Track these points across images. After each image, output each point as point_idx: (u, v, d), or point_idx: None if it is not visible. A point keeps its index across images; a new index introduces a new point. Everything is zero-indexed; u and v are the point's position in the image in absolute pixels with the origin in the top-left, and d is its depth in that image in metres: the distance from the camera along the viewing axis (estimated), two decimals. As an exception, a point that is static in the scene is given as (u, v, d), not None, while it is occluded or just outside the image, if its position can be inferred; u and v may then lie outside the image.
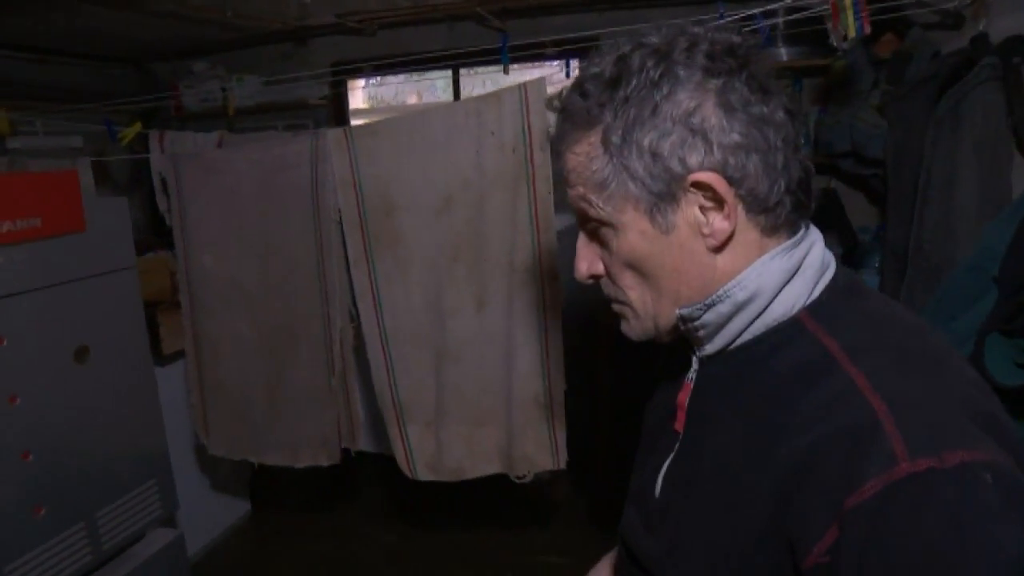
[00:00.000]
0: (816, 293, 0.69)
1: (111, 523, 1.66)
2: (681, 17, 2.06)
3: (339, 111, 3.49)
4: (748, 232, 0.69)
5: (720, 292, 0.68)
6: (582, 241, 0.76)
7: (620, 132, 0.66)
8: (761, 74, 0.66)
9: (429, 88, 4.11)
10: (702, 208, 0.67)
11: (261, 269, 1.82)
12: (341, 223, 1.74)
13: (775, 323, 0.69)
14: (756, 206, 0.67)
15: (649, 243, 0.69)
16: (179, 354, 2.25)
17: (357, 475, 3.07)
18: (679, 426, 0.78)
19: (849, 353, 0.62)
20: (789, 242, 0.69)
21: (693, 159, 0.65)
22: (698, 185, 0.65)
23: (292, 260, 1.79)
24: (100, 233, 1.61)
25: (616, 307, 0.77)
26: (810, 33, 2.25)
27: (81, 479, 1.59)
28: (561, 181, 0.76)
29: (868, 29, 1.57)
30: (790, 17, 2.03)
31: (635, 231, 0.69)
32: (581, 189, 0.71)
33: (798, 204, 0.70)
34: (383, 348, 1.77)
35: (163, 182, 1.92)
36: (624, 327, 0.79)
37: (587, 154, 0.69)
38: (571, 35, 2.64)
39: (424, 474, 1.83)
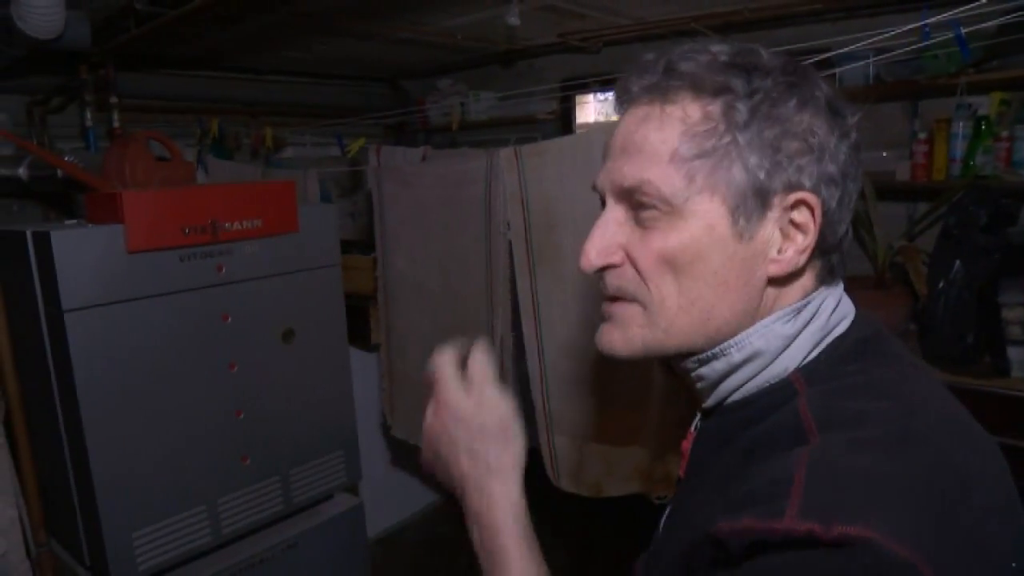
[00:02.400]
0: (816, 352, 0.65)
1: (301, 481, 1.95)
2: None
3: (566, 125, 3.64)
4: (806, 274, 0.66)
5: (717, 349, 0.66)
6: (611, 221, 0.67)
7: (748, 111, 0.61)
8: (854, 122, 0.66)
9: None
10: (782, 230, 0.63)
11: (442, 274, 2.01)
12: (510, 237, 1.85)
13: (767, 384, 0.65)
14: (822, 247, 0.64)
15: (712, 242, 0.62)
16: (383, 343, 2.55)
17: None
18: (682, 472, 0.77)
19: (819, 427, 0.56)
20: (799, 303, 0.65)
21: (805, 174, 0.62)
22: (797, 204, 0.62)
23: (467, 268, 1.95)
24: (311, 234, 1.89)
25: (615, 308, 0.68)
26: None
27: (280, 440, 1.89)
28: (611, 154, 0.68)
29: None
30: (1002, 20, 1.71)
31: (704, 223, 0.62)
32: (655, 159, 0.62)
33: (841, 260, 0.68)
34: (539, 358, 1.85)
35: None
36: (612, 336, 0.69)
37: (697, 120, 0.62)
38: (794, 45, 2.48)
39: (567, 485, 1.88)
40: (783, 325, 0.64)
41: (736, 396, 0.68)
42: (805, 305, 0.65)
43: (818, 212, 0.62)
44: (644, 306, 0.66)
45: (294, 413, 1.91)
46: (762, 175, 0.61)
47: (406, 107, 3.74)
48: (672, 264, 0.63)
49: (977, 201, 2.17)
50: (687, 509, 0.71)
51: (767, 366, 0.65)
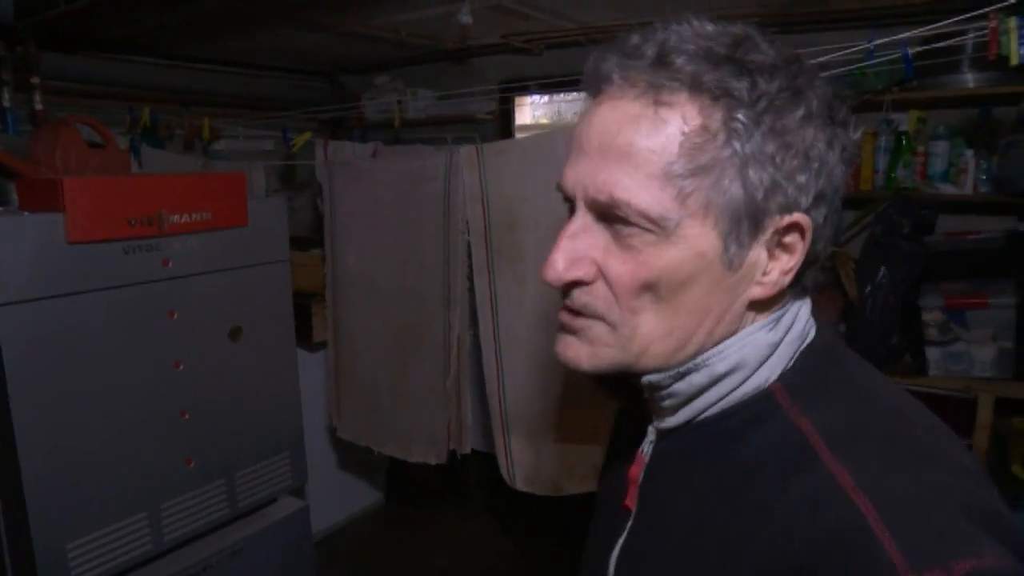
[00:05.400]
0: (791, 362, 0.62)
1: (247, 484, 1.87)
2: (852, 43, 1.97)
3: (505, 126, 3.65)
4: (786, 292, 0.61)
5: (698, 360, 0.60)
6: (582, 230, 0.60)
7: (751, 120, 0.54)
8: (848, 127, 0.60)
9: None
10: (769, 251, 0.58)
11: (395, 272, 1.98)
12: (468, 235, 1.85)
13: (745, 397, 0.61)
14: (803, 264, 0.59)
15: (699, 269, 0.57)
16: (327, 342, 2.48)
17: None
18: (630, 503, 0.70)
19: (828, 442, 0.54)
20: (777, 312, 0.62)
21: (802, 194, 0.56)
22: (790, 227, 0.57)
23: (423, 266, 1.93)
24: (260, 228, 1.82)
25: (580, 323, 0.62)
26: (1002, 57, 2.03)
27: (225, 442, 1.81)
28: (583, 150, 0.59)
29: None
30: (952, 42, 1.85)
31: (694, 251, 0.56)
32: (642, 171, 0.55)
33: (815, 273, 0.64)
34: (496, 358, 1.85)
35: (320, 186, 2.15)
36: (579, 351, 0.62)
37: (695, 129, 0.54)
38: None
39: (522, 485, 1.89)
40: (767, 333, 0.61)
41: (711, 411, 0.62)
42: (784, 314, 0.62)
43: (808, 234, 0.57)
44: (613, 328, 0.60)
45: (240, 413, 1.84)
46: (760, 196, 0.55)
47: (343, 103, 3.67)
48: (653, 291, 0.57)
49: (901, 211, 2.32)
50: (673, 540, 0.63)
51: (749, 376, 0.61)
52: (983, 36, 1.43)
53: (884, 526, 0.47)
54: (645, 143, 0.54)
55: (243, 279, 1.81)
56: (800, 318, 0.63)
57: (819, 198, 0.57)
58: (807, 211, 0.57)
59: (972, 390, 2.19)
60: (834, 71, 1.97)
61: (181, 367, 1.69)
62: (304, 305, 2.35)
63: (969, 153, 2.35)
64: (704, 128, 0.54)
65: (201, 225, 1.68)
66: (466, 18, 2.25)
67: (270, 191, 3.02)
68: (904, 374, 2.31)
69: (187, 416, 1.72)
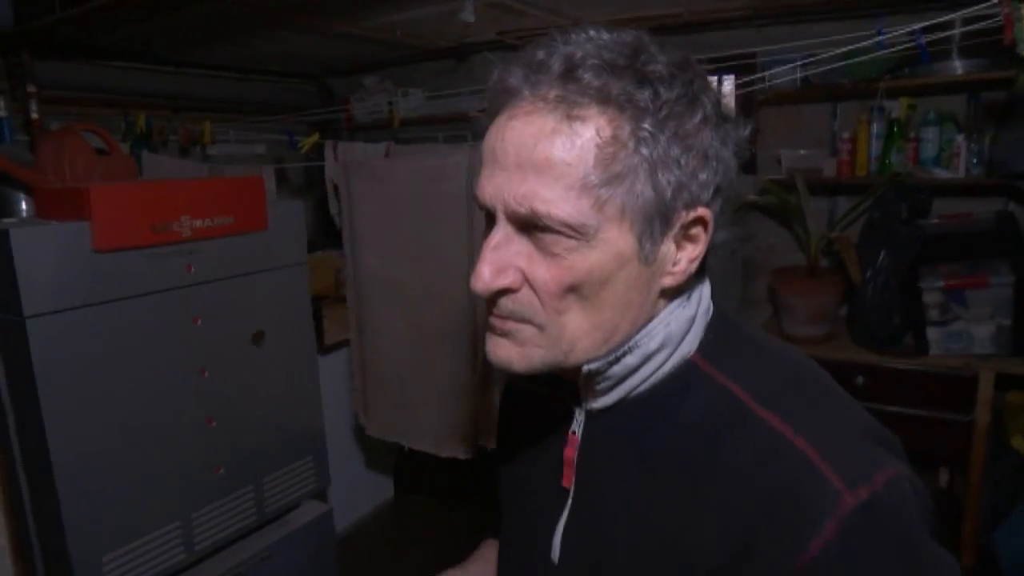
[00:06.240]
0: (702, 333, 0.69)
1: (273, 490, 1.86)
2: (839, 33, 2.01)
3: (496, 124, 3.65)
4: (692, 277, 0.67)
5: (631, 343, 0.65)
6: (500, 241, 0.62)
7: (656, 127, 0.58)
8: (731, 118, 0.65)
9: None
10: (677, 244, 0.64)
11: (417, 270, 1.98)
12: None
13: (673, 370, 0.67)
14: (708, 250, 0.66)
15: (618, 267, 0.61)
16: (339, 344, 2.48)
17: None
18: (567, 482, 0.73)
19: (756, 398, 0.63)
20: (687, 292, 0.68)
21: (704, 189, 0.61)
22: (695, 220, 0.63)
23: (444, 264, 1.93)
24: (280, 232, 1.81)
25: (509, 326, 0.64)
26: (990, 44, 2.10)
27: (252, 448, 1.79)
28: (500, 163, 0.61)
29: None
30: (964, 29, 1.91)
31: (613, 251, 0.60)
32: (560, 183, 0.57)
33: (711, 257, 0.70)
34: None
35: (335, 188, 2.13)
36: (510, 352, 0.65)
37: (607, 139, 0.57)
38: (726, 53, 2.63)
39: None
40: (683, 310, 0.67)
41: (642, 388, 0.68)
42: (692, 293, 0.68)
43: (711, 225, 0.63)
44: (541, 329, 0.63)
45: (265, 418, 1.83)
46: (668, 195, 0.59)
47: (330, 105, 3.64)
48: (577, 292, 0.61)
49: (898, 195, 2.39)
50: (623, 509, 0.68)
51: (674, 351, 0.67)
52: (995, 22, 1.48)
53: (823, 460, 0.57)
54: (562, 156, 0.57)
55: (264, 283, 1.79)
56: (705, 296, 0.70)
57: (717, 191, 0.63)
58: (708, 204, 0.62)
59: (972, 367, 2.26)
60: (846, 61, 2.01)
61: (207, 374, 1.68)
62: (313, 308, 2.33)
63: (960, 138, 2.42)
64: (615, 138, 0.57)
65: (223, 230, 1.67)
66: (468, 16, 2.26)
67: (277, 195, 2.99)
68: (906, 355, 2.37)
69: (214, 423, 1.70)
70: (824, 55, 2.07)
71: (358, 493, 2.97)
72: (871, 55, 1.82)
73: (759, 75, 2.40)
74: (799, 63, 2.53)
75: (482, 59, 3.41)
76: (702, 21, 2.76)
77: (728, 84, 2.68)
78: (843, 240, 2.51)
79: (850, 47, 1.76)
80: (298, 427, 1.94)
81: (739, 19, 2.74)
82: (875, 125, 2.57)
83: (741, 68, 2.71)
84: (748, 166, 2.86)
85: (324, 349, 2.41)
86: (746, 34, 2.83)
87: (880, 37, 1.70)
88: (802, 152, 2.80)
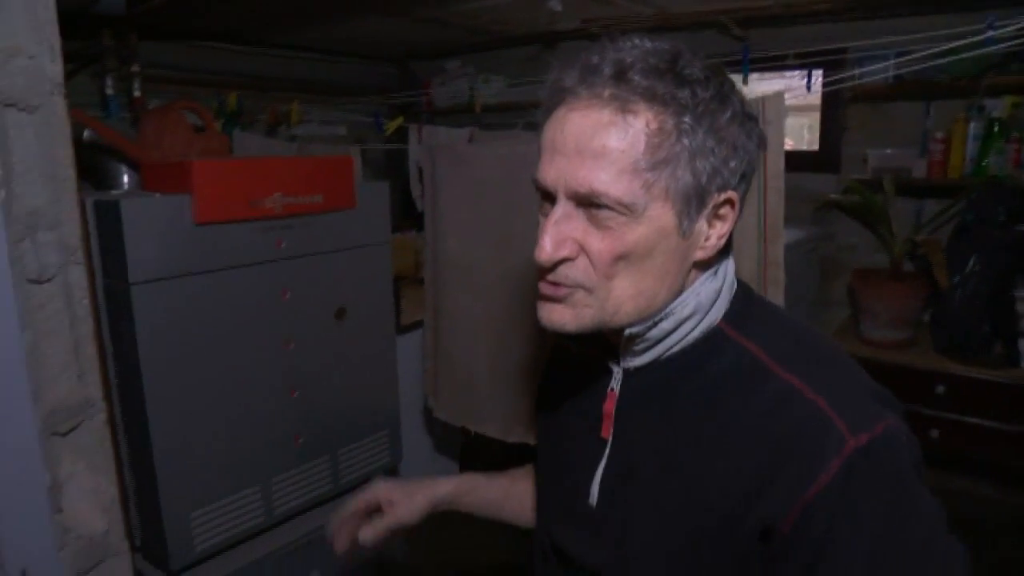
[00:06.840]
0: (729, 304, 0.79)
1: (349, 461, 1.92)
2: (943, 28, 1.93)
3: (575, 112, 3.65)
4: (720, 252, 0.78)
5: (667, 310, 0.76)
6: (561, 217, 0.71)
7: (695, 121, 0.68)
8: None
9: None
10: (709, 222, 0.74)
11: (497, 256, 2.00)
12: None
13: (701, 335, 0.78)
14: (734, 229, 0.77)
15: (661, 240, 0.71)
16: (414, 325, 2.52)
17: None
18: (605, 433, 0.83)
19: (775, 359, 0.73)
20: (714, 268, 0.79)
21: (734, 175, 0.72)
22: (725, 201, 0.73)
23: (524, 251, 1.93)
24: (366, 211, 1.86)
25: (562, 292, 0.73)
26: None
27: (330, 419, 1.86)
28: (560, 151, 0.70)
29: None
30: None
31: (657, 226, 0.70)
32: (615, 167, 0.67)
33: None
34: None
35: (419, 170, 2.16)
36: (564, 315, 0.74)
37: (655, 130, 0.67)
38: (814, 48, 2.55)
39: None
40: (712, 283, 0.77)
41: (674, 350, 0.78)
42: (719, 268, 0.79)
43: (738, 205, 0.75)
44: (591, 292, 0.73)
45: (344, 392, 1.89)
46: (704, 179, 0.70)
47: (412, 89, 3.69)
48: (626, 260, 0.71)
49: (996, 199, 2.28)
50: (656, 457, 0.78)
51: (703, 318, 0.77)
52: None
53: (831, 410, 0.67)
54: (616, 144, 0.67)
55: (349, 260, 1.84)
56: (730, 271, 0.80)
57: (742, 177, 0.74)
58: (735, 188, 0.73)
59: (1067, 383, 2.16)
60: (949, 58, 1.93)
61: (292, 346, 1.74)
62: (395, 288, 2.38)
63: (1068, 140, 2.30)
64: (661, 130, 0.68)
65: (313, 207, 1.72)
66: (556, 4, 2.25)
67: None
68: (994, 366, 2.28)
69: (296, 394, 1.76)
70: (922, 52, 1.98)
71: (425, 474, 3.02)
72: (978, 51, 1.74)
73: (850, 73, 2.33)
74: (892, 60, 2.44)
75: (567, 48, 3.40)
76: (793, 14, 2.68)
77: (816, 80, 2.60)
78: (931, 243, 2.42)
79: (955, 43, 1.68)
80: (374, 402, 1.99)
81: (830, 12, 2.65)
82: (973, 124, 2.45)
83: (829, 64, 2.63)
84: (830, 164, 2.78)
85: (400, 329, 2.45)
86: (836, 28, 2.74)
87: (991, 32, 1.62)
88: (889, 151, 2.70)
